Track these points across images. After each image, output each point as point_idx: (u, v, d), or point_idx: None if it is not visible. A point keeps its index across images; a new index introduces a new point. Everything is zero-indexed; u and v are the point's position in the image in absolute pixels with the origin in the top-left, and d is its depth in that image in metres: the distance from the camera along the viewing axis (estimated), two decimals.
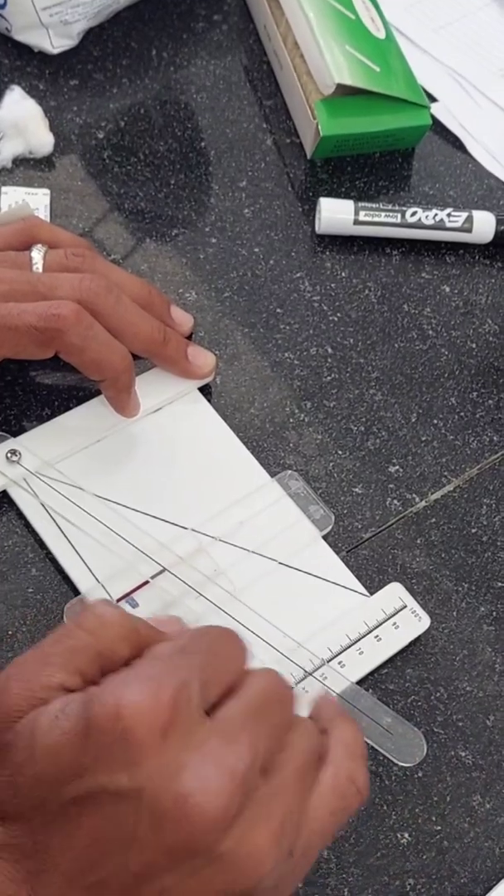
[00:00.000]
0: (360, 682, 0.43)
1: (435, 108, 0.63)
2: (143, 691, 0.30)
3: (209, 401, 0.50)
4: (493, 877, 0.41)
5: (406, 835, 0.41)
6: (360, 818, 0.41)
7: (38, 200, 0.55)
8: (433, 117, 0.62)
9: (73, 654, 0.32)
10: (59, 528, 0.45)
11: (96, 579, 0.44)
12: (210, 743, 0.30)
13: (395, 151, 0.61)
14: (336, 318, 0.55)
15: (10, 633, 0.43)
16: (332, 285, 0.56)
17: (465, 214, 0.57)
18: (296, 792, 0.31)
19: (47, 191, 0.56)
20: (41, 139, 0.57)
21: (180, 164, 0.59)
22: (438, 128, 0.63)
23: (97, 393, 0.48)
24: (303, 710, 0.36)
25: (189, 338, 0.51)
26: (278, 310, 0.54)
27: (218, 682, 0.32)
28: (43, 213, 0.55)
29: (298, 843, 0.30)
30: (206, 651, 0.33)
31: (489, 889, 0.40)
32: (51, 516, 0.45)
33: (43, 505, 0.45)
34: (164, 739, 0.29)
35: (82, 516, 0.45)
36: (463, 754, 0.43)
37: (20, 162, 0.57)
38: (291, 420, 0.51)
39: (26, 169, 0.57)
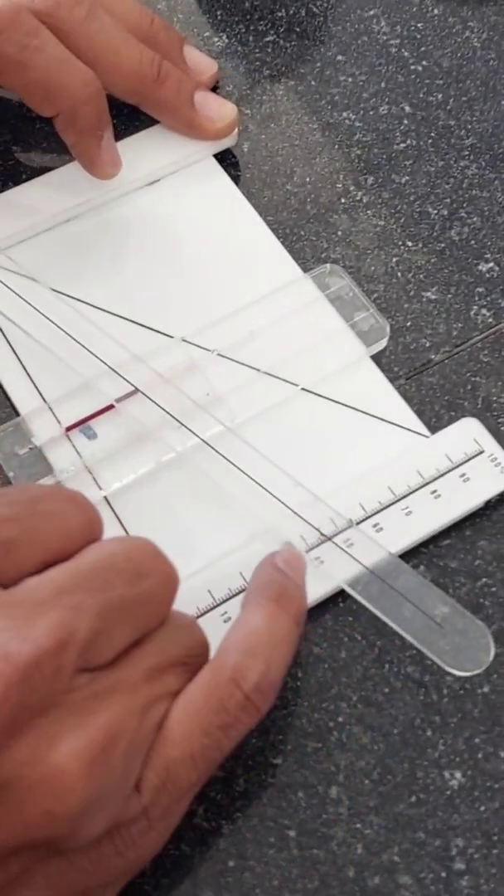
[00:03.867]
0: (403, 556, 0.30)
1: None
2: None
3: (228, 172, 0.37)
4: None
5: (458, 775, 0.29)
6: (390, 744, 0.29)
7: None
8: None
9: None
10: (2, 331, 0.33)
11: (43, 400, 0.32)
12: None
13: None
14: (420, 68, 0.40)
15: None
16: (419, 25, 0.41)
17: None
18: (139, 696, 0.23)
19: None
20: None
21: None
22: None
23: (70, 159, 0.36)
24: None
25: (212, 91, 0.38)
26: (339, 57, 0.40)
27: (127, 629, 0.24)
28: None
29: (149, 772, 0.23)
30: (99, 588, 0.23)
31: None
32: None
33: None
34: None
35: (34, 317, 0.34)
36: None
37: None
38: (344, 200, 0.37)
39: None
